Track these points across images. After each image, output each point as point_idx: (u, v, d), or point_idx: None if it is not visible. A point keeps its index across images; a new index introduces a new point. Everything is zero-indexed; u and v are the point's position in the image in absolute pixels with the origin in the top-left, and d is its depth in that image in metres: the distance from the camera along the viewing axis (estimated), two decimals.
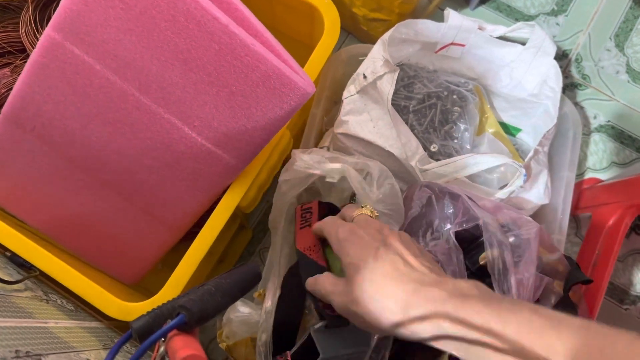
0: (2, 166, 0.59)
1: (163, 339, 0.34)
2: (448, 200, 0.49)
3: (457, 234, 0.46)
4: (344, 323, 0.47)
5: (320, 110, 0.65)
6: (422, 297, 0.35)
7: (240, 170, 0.57)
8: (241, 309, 0.53)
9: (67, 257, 0.58)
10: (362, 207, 0.48)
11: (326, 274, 0.44)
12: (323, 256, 0.51)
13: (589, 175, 0.78)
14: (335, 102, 0.70)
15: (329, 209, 0.57)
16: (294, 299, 0.52)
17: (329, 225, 0.46)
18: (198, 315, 0.33)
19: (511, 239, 0.47)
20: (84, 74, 0.52)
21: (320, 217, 0.56)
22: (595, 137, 0.80)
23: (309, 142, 0.64)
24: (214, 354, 0.73)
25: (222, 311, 0.36)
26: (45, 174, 0.59)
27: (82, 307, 0.60)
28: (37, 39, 0.65)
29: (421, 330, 0.35)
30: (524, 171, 0.54)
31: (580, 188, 0.75)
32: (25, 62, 0.65)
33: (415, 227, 0.50)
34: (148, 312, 0.35)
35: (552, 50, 0.62)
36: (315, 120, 0.65)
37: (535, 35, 0.62)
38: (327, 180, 0.54)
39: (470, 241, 0.48)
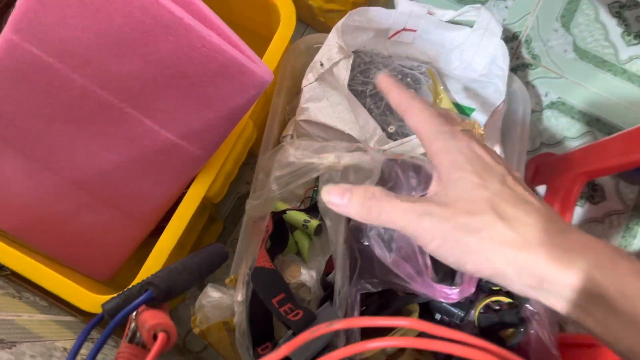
0: None
1: (134, 317, 0.35)
2: (412, 171, 0.52)
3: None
4: (310, 321, 0.48)
5: (281, 99, 0.67)
6: (575, 240, 0.28)
7: (205, 160, 0.59)
8: (212, 294, 0.55)
9: (39, 257, 0.59)
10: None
11: (382, 194, 0.32)
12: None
13: (543, 150, 0.82)
14: (297, 92, 0.72)
15: (278, 219, 0.60)
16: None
17: (434, 124, 0.34)
18: (165, 290, 0.34)
19: None
20: (44, 74, 0.53)
21: (273, 229, 0.58)
22: (548, 114, 0.84)
23: (272, 131, 0.65)
24: (191, 345, 0.75)
25: (188, 287, 0.37)
26: (10, 176, 0.59)
27: (56, 303, 0.60)
28: None
29: (562, 279, 0.27)
30: None
31: (535, 163, 0.79)
32: None
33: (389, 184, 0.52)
34: (118, 294, 0.37)
35: (499, 31, 0.65)
36: (277, 109, 0.67)
37: (482, 17, 0.66)
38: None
39: None
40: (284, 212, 0.61)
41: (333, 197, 0.33)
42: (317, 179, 0.65)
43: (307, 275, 0.55)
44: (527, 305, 0.50)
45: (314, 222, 0.62)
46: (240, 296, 0.53)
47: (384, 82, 0.38)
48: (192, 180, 0.60)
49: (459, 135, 0.33)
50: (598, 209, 0.80)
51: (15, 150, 0.58)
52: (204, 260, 0.39)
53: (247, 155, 0.67)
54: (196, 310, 0.55)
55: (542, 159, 0.78)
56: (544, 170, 0.76)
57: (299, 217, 0.63)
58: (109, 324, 0.33)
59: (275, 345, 0.52)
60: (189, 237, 0.71)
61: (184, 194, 0.60)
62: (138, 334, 0.34)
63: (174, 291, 0.35)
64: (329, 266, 0.55)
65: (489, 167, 0.31)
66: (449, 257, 0.30)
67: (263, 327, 0.53)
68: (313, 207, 0.62)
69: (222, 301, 0.54)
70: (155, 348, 0.29)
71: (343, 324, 0.26)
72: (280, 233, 0.60)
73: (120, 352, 0.33)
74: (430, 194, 0.34)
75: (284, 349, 0.28)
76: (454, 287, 0.43)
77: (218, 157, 0.60)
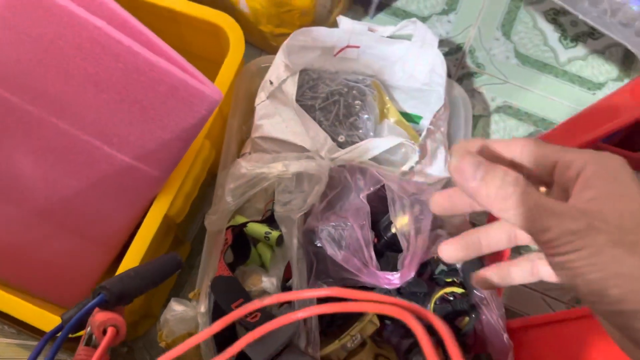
0: None
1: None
2: (359, 174, 0.55)
3: (368, 197, 0.52)
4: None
5: (236, 120, 0.70)
6: None
7: (163, 180, 0.61)
8: (176, 308, 0.56)
9: (2, 287, 0.60)
10: None
11: (526, 184, 0.27)
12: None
13: None
14: (253, 111, 0.75)
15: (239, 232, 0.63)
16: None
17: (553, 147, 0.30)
18: (117, 294, 0.36)
19: (412, 200, 0.52)
20: (4, 109, 0.55)
21: (234, 242, 0.61)
22: (496, 117, 0.88)
23: (229, 150, 0.68)
24: None
25: (141, 293, 0.39)
26: None
27: (25, 331, 0.61)
28: None
29: None
30: (417, 147, 0.60)
31: None
32: None
33: (334, 201, 0.55)
34: (77, 304, 0.39)
35: (435, 42, 0.70)
36: (233, 129, 0.70)
37: (418, 30, 0.70)
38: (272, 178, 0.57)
39: (379, 201, 0.53)
40: (244, 224, 0.63)
41: (463, 166, 0.28)
42: (273, 193, 0.67)
43: (267, 283, 0.57)
44: (476, 292, 0.52)
45: (275, 233, 0.64)
46: (202, 307, 0.55)
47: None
48: (153, 202, 0.62)
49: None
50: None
51: None
52: (156, 267, 0.41)
53: (210, 177, 0.69)
54: (161, 325, 0.56)
55: None
56: None
57: (260, 229, 0.66)
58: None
59: None
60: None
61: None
62: (94, 337, 0.36)
63: (126, 295, 0.37)
64: (288, 272, 0.58)
65: None
66: (591, 274, 0.26)
67: (226, 335, 0.54)
68: (272, 218, 0.64)
69: (185, 314, 0.55)
70: (104, 342, 0.31)
71: (272, 299, 0.28)
72: (241, 245, 0.62)
73: (77, 354, 0.35)
74: (582, 201, 0.28)
75: (239, 344, 0.30)
76: (395, 272, 0.46)
77: (176, 177, 0.62)
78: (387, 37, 0.72)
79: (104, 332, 0.33)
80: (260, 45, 0.89)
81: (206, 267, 0.58)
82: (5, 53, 0.53)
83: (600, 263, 0.25)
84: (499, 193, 0.27)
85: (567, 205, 0.27)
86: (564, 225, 0.26)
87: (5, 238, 0.62)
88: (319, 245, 0.53)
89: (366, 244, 0.47)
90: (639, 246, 0.25)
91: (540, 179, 0.31)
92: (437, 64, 0.70)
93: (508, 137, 0.87)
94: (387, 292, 0.54)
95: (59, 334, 0.36)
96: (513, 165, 0.30)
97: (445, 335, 0.25)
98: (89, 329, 0.36)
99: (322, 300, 0.31)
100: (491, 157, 0.30)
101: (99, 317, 0.34)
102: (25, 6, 0.51)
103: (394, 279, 0.46)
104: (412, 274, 0.46)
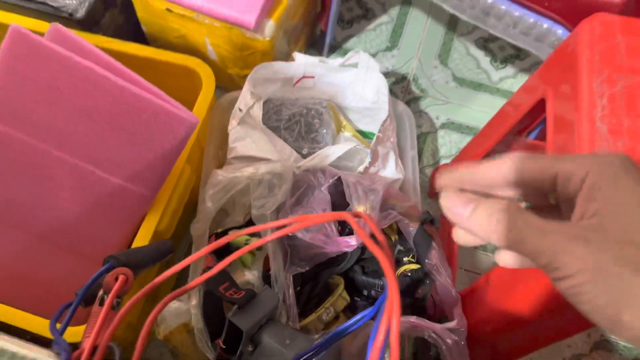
0: None
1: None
2: (320, 172, 0.64)
3: (329, 190, 0.61)
4: (251, 297, 0.58)
5: (212, 147, 0.80)
6: None
7: (151, 199, 0.69)
8: (172, 305, 0.64)
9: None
10: None
11: (516, 208, 0.26)
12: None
13: (442, 162, 0.97)
14: (227, 139, 0.85)
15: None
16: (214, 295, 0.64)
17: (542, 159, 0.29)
18: (123, 262, 0.44)
19: (366, 189, 0.62)
20: (4, 142, 0.64)
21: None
22: (441, 133, 1.00)
23: (208, 172, 0.77)
24: None
25: (142, 267, 0.47)
26: None
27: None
28: None
29: None
30: (368, 150, 0.70)
31: (435, 173, 0.93)
32: None
33: (301, 197, 0.64)
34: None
35: (377, 67, 0.82)
36: (210, 155, 0.79)
37: (362, 58, 0.82)
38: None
39: (339, 196, 0.62)
40: (225, 231, 0.72)
41: (452, 205, 0.28)
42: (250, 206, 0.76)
43: (250, 275, 0.65)
44: (427, 261, 0.61)
45: (253, 240, 0.73)
46: (194, 301, 0.62)
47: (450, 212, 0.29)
48: (143, 219, 0.70)
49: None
50: None
51: None
52: (153, 247, 0.49)
53: (192, 204, 0.78)
54: (159, 322, 0.63)
55: (443, 167, 0.93)
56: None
57: (240, 240, 0.74)
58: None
59: None
60: (146, 278, 0.79)
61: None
62: (105, 297, 0.43)
63: (131, 264, 0.45)
64: (267, 264, 0.66)
65: None
66: (598, 298, 0.23)
67: (216, 322, 0.61)
68: (250, 223, 0.73)
69: (180, 308, 0.62)
70: (117, 286, 0.39)
71: (238, 233, 0.37)
72: (223, 251, 0.70)
73: (92, 313, 0.42)
74: (574, 220, 0.26)
75: (199, 279, 0.39)
76: (352, 236, 0.55)
77: (163, 196, 0.71)
78: (338, 66, 0.84)
79: (116, 279, 0.40)
80: (229, 87, 1.00)
81: (195, 266, 0.66)
82: (9, 94, 0.62)
83: (607, 285, 0.23)
84: (490, 222, 0.26)
85: (564, 224, 0.25)
86: (560, 245, 0.24)
87: (7, 260, 0.69)
88: (290, 235, 0.62)
89: (327, 223, 0.56)
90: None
91: (544, 193, 0.30)
92: (381, 85, 0.81)
93: (454, 149, 0.98)
94: (352, 271, 0.63)
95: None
96: (507, 185, 0.29)
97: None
98: (101, 292, 0.44)
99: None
100: (479, 182, 0.30)
101: (111, 273, 0.41)
102: (26, 53, 0.61)
103: (351, 240, 0.55)
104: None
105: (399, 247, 0.65)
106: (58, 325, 0.42)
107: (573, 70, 0.51)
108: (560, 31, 0.66)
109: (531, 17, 0.68)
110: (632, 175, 0.25)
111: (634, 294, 0.23)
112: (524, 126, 0.76)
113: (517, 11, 0.67)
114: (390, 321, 0.26)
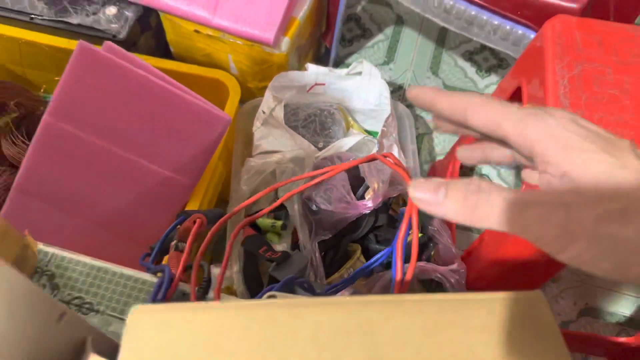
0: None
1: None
2: (336, 158, 0.76)
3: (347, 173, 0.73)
4: (286, 257, 0.70)
5: (239, 145, 0.92)
6: None
7: (192, 188, 0.81)
8: (213, 271, 0.75)
9: None
10: None
11: (491, 187, 0.26)
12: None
13: (437, 159, 1.09)
14: (250, 139, 0.98)
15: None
16: (252, 262, 0.75)
17: (512, 110, 0.29)
18: (191, 214, 0.56)
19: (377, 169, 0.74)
20: (71, 141, 0.76)
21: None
22: (436, 134, 1.13)
23: (237, 166, 0.90)
24: None
25: (207, 223, 0.58)
26: (49, 227, 0.79)
27: None
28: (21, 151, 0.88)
29: None
30: (376, 141, 0.83)
31: (434, 167, 1.06)
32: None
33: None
34: None
35: (378, 74, 0.95)
36: (238, 152, 0.91)
37: (365, 67, 0.95)
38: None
39: (354, 179, 0.74)
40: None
41: (422, 194, 0.27)
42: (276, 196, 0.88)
43: (280, 247, 0.76)
44: (430, 227, 0.73)
45: (278, 223, 0.84)
46: (235, 267, 0.73)
47: (419, 96, 0.32)
48: (185, 206, 0.82)
49: (555, 112, 0.27)
50: None
51: (54, 208, 0.79)
52: (211, 211, 0.61)
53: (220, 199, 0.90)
54: None
55: (438, 163, 1.06)
56: (439, 170, 1.03)
57: (266, 223, 0.86)
58: None
59: None
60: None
61: None
62: (180, 245, 0.55)
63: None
64: (295, 236, 0.77)
65: (613, 141, 0.25)
66: (602, 262, 0.23)
67: (256, 285, 0.73)
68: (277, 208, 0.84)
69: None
70: (195, 227, 0.50)
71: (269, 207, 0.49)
72: (255, 229, 0.82)
73: (170, 257, 0.54)
74: (543, 186, 0.27)
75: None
76: (368, 200, 0.67)
77: (202, 186, 0.83)
78: (345, 74, 0.97)
79: (194, 223, 0.52)
80: (248, 98, 1.13)
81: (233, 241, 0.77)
82: (76, 100, 0.74)
83: (602, 247, 0.23)
84: (467, 205, 0.25)
85: (539, 194, 0.25)
86: (544, 218, 0.24)
87: (71, 246, 0.80)
88: (315, 209, 0.73)
89: (347, 192, 0.68)
90: (629, 213, 0.22)
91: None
92: (383, 89, 0.95)
93: (448, 147, 1.11)
94: (367, 240, 0.75)
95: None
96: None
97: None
98: (174, 242, 0.55)
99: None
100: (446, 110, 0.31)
101: (190, 218, 0.53)
102: (91, 65, 0.73)
103: (368, 202, 0.66)
104: (380, 200, 0.67)
105: None
106: None
107: (541, 59, 0.64)
108: (532, 35, 0.80)
109: (507, 25, 0.81)
110: (593, 143, 0.25)
111: (629, 247, 0.22)
112: None
113: (496, 20, 0.81)
114: (411, 212, 0.38)
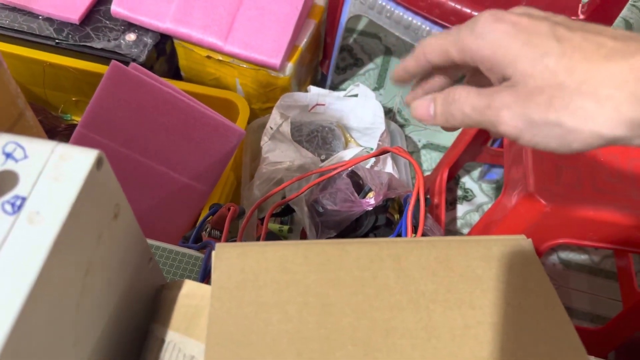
0: None
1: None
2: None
3: (349, 177, 0.83)
4: None
5: (247, 159, 1.01)
6: None
7: (208, 194, 0.89)
8: None
9: None
10: None
11: (462, 94, 0.30)
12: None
13: (426, 174, 1.20)
14: (257, 154, 1.07)
15: None
16: None
17: (444, 34, 0.32)
18: (223, 205, 0.64)
19: (375, 175, 0.84)
20: (104, 152, 0.84)
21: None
22: (423, 152, 1.24)
23: (246, 175, 0.99)
24: None
25: (233, 217, 0.67)
26: None
27: None
28: None
29: None
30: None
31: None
32: None
33: (326, 185, 0.85)
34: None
35: (372, 96, 1.06)
36: (246, 165, 1.01)
37: (361, 90, 1.06)
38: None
39: (355, 185, 0.84)
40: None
41: (421, 113, 0.33)
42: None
43: None
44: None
45: (285, 227, 0.93)
46: None
47: (397, 74, 0.36)
48: (201, 211, 0.90)
49: (479, 18, 0.29)
50: (472, 204, 1.17)
51: None
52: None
53: (231, 197, 0.98)
54: None
55: (426, 178, 1.16)
56: (427, 185, 1.13)
57: (274, 228, 0.94)
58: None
59: None
60: None
61: None
62: (213, 231, 0.63)
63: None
64: (304, 235, 0.86)
65: (532, 30, 0.27)
66: (550, 143, 0.27)
67: None
68: (282, 212, 0.93)
69: None
70: (230, 213, 0.59)
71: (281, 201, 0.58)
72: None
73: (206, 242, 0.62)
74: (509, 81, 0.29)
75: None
76: (371, 198, 0.76)
77: (216, 193, 0.91)
78: (343, 96, 1.07)
79: (228, 210, 0.60)
80: (252, 119, 1.23)
81: (247, 236, 0.85)
82: (108, 113, 0.83)
83: (545, 132, 0.27)
84: (449, 114, 0.31)
85: (512, 90, 0.28)
86: (515, 109, 0.27)
87: None
88: (321, 210, 0.82)
89: (351, 193, 0.78)
90: (555, 101, 0.26)
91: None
92: (377, 109, 1.05)
93: (434, 164, 1.22)
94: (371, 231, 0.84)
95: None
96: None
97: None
98: (208, 229, 0.64)
99: None
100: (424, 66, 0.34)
101: (225, 206, 0.61)
102: (122, 82, 0.82)
103: (371, 200, 0.76)
104: (381, 198, 0.76)
105: None
106: None
107: None
108: None
109: None
110: (516, 39, 0.28)
111: (565, 130, 0.26)
112: (486, 137, 1.00)
113: None
114: (419, 182, 0.47)
